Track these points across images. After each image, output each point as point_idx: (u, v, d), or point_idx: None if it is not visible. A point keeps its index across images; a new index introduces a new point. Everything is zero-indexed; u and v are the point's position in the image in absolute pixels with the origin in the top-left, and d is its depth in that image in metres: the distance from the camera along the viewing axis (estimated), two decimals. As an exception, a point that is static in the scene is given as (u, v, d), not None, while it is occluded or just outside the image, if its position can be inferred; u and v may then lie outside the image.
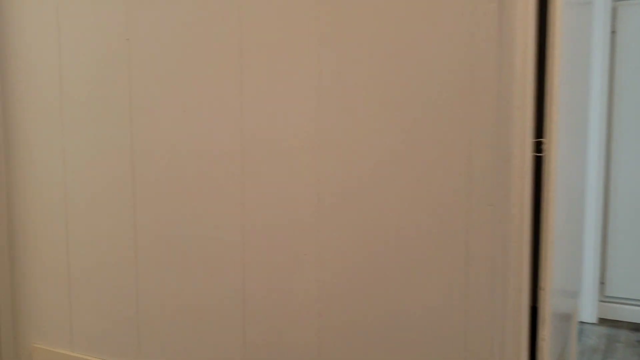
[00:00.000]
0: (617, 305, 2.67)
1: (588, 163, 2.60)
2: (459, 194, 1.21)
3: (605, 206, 2.66)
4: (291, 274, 1.39)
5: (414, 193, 1.24)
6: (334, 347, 1.35)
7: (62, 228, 1.67)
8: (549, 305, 1.27)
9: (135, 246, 1.57)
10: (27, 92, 1.68)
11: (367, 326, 1.33)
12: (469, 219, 1.21)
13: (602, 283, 2.68)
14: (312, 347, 1.37)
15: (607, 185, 2.66)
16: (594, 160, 2.61)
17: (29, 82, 1.67)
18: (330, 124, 1.32)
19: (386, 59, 1.25)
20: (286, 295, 1.40)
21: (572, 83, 1.50)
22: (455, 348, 1.24)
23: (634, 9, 2.55)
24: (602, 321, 2.66)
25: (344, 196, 1.32)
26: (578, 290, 2.18)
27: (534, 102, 1.21)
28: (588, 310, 2.66)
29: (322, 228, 1.34)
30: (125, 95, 1.53)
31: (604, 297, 2.69)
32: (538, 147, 1.24)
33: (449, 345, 1.24)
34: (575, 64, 1.55)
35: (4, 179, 1.67)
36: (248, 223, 1.42)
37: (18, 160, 1.70)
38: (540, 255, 1.26)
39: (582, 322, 2.65)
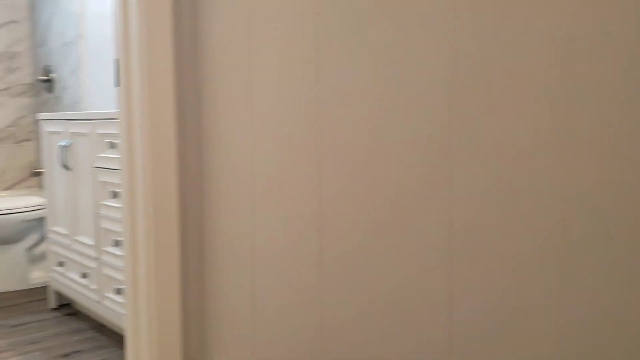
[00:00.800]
0: None
1: None
2: None
3: None
4: (524, 309, 1.08)
5: None
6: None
7: (248, 242, 1.53)
8: None
9: (320, 270, 1.37)
10: (216, 83, 1.55)
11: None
12: None
13: None
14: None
15: None
16: None
17: (219, 69, 1.53)
18: (584, 114, 0.97)
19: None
20: (514, 331, 1.11)
21: None
22: None
23: None
24: None
25: (600, 210, 0.98)
26: None
27: None
28: None
29: (566, 265, 1.02)
30: (311, 79, 1.32)
31: None
32: None
33: None
34: None
35: (199, 191, 1.57)
36: (456, 244, 1.14)
37: (212, 164, 1.59)
38: None
39: None
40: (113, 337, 2.42)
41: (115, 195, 2.22)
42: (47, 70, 3.70)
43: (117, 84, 1.48)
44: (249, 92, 1.44)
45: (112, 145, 2.22)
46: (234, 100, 1.49)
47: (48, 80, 3.68)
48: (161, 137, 1.48)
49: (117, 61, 1.47)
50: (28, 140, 3.96)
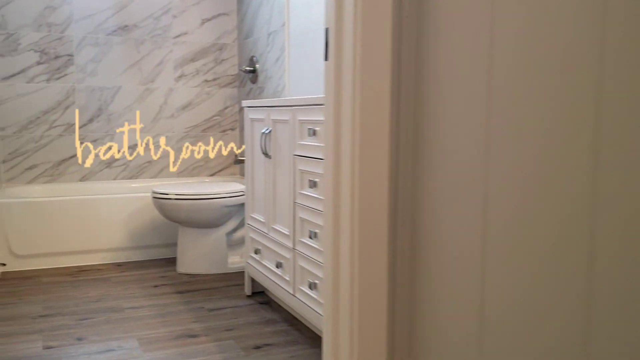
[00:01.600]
0: None
1: None
2: None
3: None
4: None
5: None
6: None
7: (476, 246, 1.29)
8: None
9: (589, 285, 1.09)
10: (441, 69, 1.33)
11: None
12: None
13: None
14: None
15: None
16: None
17: (447, 52, 1.31)
18: None
19: None
20: None
21: None
22: None
23: None
24: None
25: None
26: None
27: None
28: None
29: None
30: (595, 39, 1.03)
31: None
32: None
33: None
34: None
35: (411, 187, 1.36)
36: None
37: (428, 159, 1.37)
38: None
39: None
40: (305, 333, 2.33)
41: (313, 184, 2.11)
42: (252, 61, 3.78)
43: (326, 57, 1.32)
44: (483, 89, 1.20)
45: (313, 133, 2.11)
46: (461, 98, 1.25)
47: (253, 71, 3.76)
48: (372, 122, 1.29)
49: (326, 30, 1.31)
50: (232, 129, 4.10)
